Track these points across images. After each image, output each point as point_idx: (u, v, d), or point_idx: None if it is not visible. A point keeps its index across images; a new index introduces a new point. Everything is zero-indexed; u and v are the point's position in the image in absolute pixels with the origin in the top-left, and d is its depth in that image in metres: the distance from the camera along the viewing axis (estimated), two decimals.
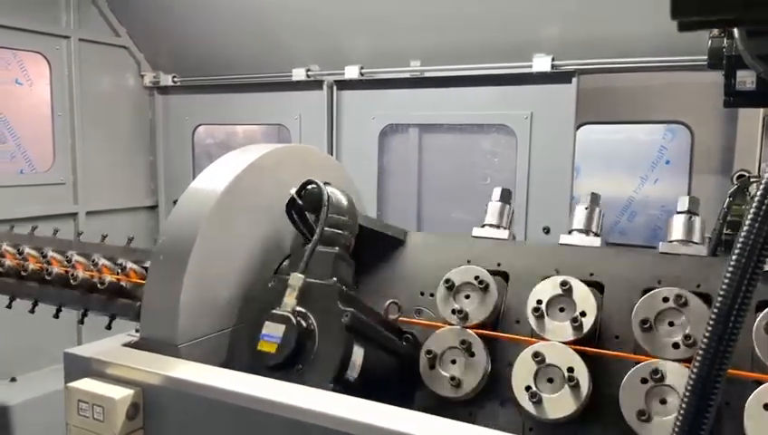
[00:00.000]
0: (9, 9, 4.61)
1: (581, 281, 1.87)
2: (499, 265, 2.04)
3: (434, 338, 2.03)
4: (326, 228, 1.89)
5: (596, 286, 1.89)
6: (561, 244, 2.00)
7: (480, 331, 1.98)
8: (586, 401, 1.79)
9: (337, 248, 1.90)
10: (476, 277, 1.97)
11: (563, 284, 1.82)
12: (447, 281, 2.01)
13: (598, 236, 2.03)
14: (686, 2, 0.68)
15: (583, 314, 1.79)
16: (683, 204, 1.94)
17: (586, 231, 2.04)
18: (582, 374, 1.81)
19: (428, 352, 2.01)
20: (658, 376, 1.70)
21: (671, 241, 1.88)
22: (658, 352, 1.72)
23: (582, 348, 1.84)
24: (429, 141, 4.72)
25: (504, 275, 2.03)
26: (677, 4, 0.68)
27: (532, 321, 1.86)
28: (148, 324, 1.81)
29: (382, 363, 1.92)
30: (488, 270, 2.01)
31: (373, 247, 2.22)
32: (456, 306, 1.98)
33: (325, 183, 1.98)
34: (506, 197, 2.26)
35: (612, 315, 1.84)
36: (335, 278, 1.82)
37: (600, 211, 2.08)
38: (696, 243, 1.84)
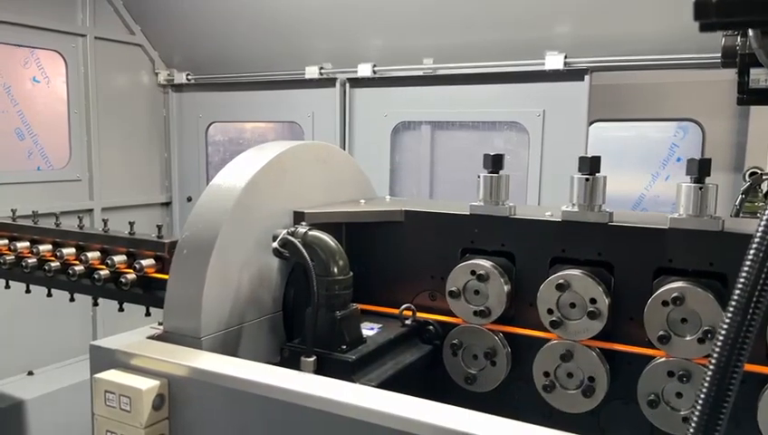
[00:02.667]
0: (27, 8, 4.67)
1: (589, 262, 1.89)
2: (503, 245, 2.04)
3: (457, 332, 2.07)
4: (321, 293, 1.84)
5: (605, 266, 1.89)
6: (566, 220, 1.92)
7: (500, 327, 2.02)
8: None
9: (337, 312, 1.86)
10: (473, 272, 2.00)
11: (560, 286, 1.85)
12: (451, 293, 2.04)
13: (603, 210, 1.88)
14: (706, 6, 0.71)
15: (593, 314, 1.82)
16: (692, 168, 1.76)
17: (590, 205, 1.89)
18: (601, 379, 1.84)
19: (452, 345, 2.06)
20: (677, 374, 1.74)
21: (681, 215, 1.78)
22: (676, 353, 1.75)
23: (601, 344, 1.87)
24: (442, 139, 4.74)
25: (510, 256, 2.04)
26: (699, 7, 0.71)
27: (550, 329, 1.89)
28: (171, 318, 1.85)
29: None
30: (492, 251, 2.05)
31: (374, 232, 2.25)
32: (471, 307, 2.02)
33: (304, 233, 1.89)
34: (498, 164, 2.06)
35: (624, 297, 1.85)
36: (344, 345, 1.84)
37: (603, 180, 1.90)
38: (709, 216, 1.74)
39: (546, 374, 1.90)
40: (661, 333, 1.72)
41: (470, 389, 2.05)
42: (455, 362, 2.07)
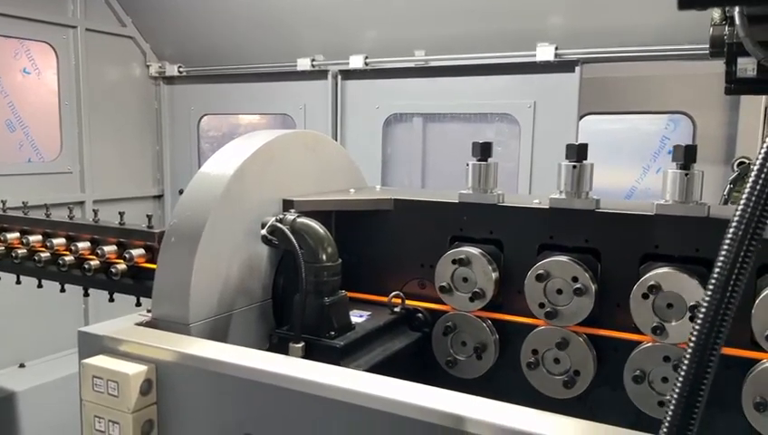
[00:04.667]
0: None
1: (577, 249, 1.90)
2: (491, 232, 2.05)
3: (451, 316, 2.08)
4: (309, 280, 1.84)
5: (592, 253, 1.90)
6: (554, 208, 1.92)
7: (489, 314, 2.03)
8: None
9: (326, 299, 1.86)
10: (454, 260, 2.02)
11: (540, 277, 1.87)
12: (442, 288, 2.05)
13: (591, 197, 1.90)
14: None
15: (580, 291, 1.83)
16: (678, 154, 1.76)
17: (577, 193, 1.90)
18: (587, 373, 1.86)
19: (446, 327, 2.08)
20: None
21: (667, 202, 1.79)
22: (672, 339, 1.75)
23: (588, 330, 1.88)
24: (433, 131, 4.74)
25: (498, 243, 2.05)
26: None
27: (546, 319, 1.89)
28: (159, 304, 1.85)
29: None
30: (481, 238, 2.06)
31: (363, 221, 2.25)
32: (464, 295, 2.03)
33: (293, 220, 1.91)
34: (486, 152, 2.06)
35: (612, 283, 1.87)
36: (332, 332, 1.84)
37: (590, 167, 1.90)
38: (695, 202, 1.76)
39: (534, 352, 1.92)
40: (654, 324, 1.73)
41: (451, 372, 2.07)
42: (443, 342, 2.08)
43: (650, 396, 1.77)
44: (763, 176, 0.95)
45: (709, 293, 0.96)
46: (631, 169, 4.79)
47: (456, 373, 2.06)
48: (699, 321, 0.96)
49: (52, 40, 4.96)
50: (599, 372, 1.86)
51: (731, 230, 0.96)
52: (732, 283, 0.95)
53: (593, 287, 1.82)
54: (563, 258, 1.86)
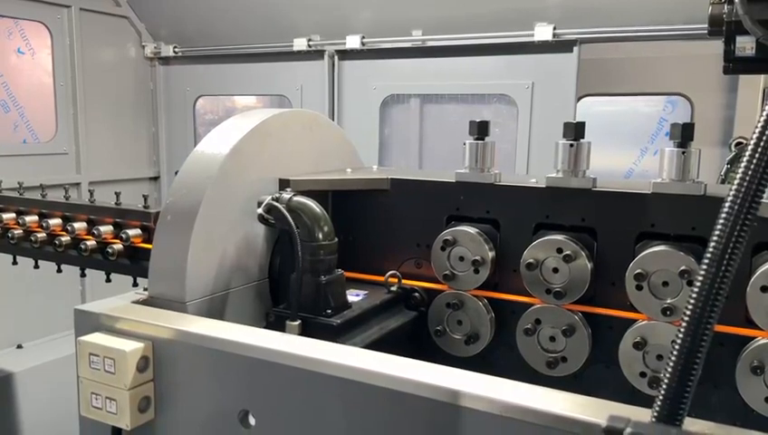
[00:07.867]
0: None
1: (573, 228, 1.91)
2: (488, 212, 2.05)
3: (447, 295, 2.08)
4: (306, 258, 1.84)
5: (588, 232, 1.90)
6: (550, 186, 1.92)
7: (486, 293, 2.03)
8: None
9: (322, 277, 1.86)
10: (443, 247, 2.02)
11: (529, 265, 1.87)
12: (445, 277, 2.04)
13: (587, 176, 1.89)
14: None
15: (569, 258, 1.83)
16: (676, 132, 1.76)
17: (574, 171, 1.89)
18: (576, 357, 1.88)
19: (449, 304, 2.08)
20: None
21: (664, 180, 1.78)
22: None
23: (583, 308, 1.89)
24: (431, 112, 4.73)
25: (494, 223, 2.05)
26: None
27: (555, 300, 1.90)
28: (156, 283, 1.85)
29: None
30: (478, 218, 2.06)
31: (360, 200, 2.25)
32: (465, 274, 2.03)
33: (289, 198, 1.90)
34: (483, 130, 2.06)
35: (608, 262, 1.87)
36: (329, 310, 1.84)
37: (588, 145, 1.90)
38: (692, 180, 1.76)
39: (538, 322, 1.93)
40: (664, 306, 1.73)
41: (444, 349, 2.09)
42: (439, 317, 2.09)
43: (637, 364, 1.79)
44: (759, 151, 0.95)
45: (705, 265, 0.96)
46: (629, 151, 4.79)
47: (452, 351, 2.07)
48: (695, 294, 0.97)
49: (46, 19, 4.91)
50: (594, 349, 1.87)
51: (727, 204, 0.96)
52: (727, 255, 0.95)
53: (585, 258, 1.83)
54: (557, 237, 1.86)
